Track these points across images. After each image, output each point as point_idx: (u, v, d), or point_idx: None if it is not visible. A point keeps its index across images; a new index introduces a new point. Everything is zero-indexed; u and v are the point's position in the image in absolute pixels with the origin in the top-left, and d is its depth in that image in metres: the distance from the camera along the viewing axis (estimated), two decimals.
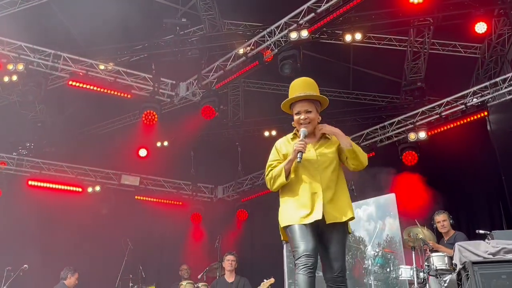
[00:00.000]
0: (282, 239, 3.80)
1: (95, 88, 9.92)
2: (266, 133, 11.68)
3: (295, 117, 3.82)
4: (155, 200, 12.48)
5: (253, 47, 9.54)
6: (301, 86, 3.89)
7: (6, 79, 9.46)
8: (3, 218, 9.61)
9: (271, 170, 3.80)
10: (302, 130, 3.73)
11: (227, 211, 12.58)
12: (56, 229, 9.95)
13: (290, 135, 3.93)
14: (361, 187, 7.45)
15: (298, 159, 3.61)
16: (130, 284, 8.28)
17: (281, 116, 11.65)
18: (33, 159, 11.66)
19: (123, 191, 12.18)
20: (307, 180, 3.70)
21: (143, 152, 11.62)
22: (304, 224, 3.55)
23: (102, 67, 10.03)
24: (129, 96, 10.22)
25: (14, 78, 9.41)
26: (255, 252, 11.49)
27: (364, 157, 3.82)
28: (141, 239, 10.21)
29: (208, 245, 10.07)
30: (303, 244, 3.50)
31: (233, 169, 12.43)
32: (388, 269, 7.00)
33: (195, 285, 7.93)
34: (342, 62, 10.50)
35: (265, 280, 7.19)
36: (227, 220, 12.18)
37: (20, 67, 9.29)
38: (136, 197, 12.29)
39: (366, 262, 7.19)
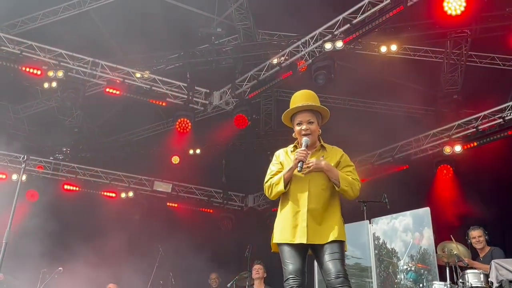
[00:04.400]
0: (272, 250, 3.87)
1: (131, 96, 10.10)
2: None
3: (296, 128, 3.80)
4: (186, 207, 12.59)
5: (287, 57, 9.57)
6: (303, 97, 3.86)
7: (46, 85, 9.75)
8: (39, 221, 9.82)
9: (270, 178, 3.82)
10: (305, 139, 3.72)
11: (257, 220, 12.56)
12: (90, 233, 10.12)
13: (290, 147, 3.93)
14: (395, 200, 7.36)
15: (299, 168, 3.60)
16: None
17: None
18: (69, 163, 11.92)
19: (156, 197, 12.33)
20: (296, 194, 3.69)
21: (175, 159, 11.76)
22: (292, 244, 3.59)
23: (138, 75, 10.22)
24: (164, 104, 10.38)
25: (54, 84, 9.68)
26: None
27: (354, 192, 3.69)
28: (172, 245, 10.27)
29: (238, 254, 10.07)
30: (290, 265, 3.56)
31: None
32: (421, 285, 6.85)
33: None
34: (377, 73, 10.41)
35: None
36: (257, 229, 12.16)
37: (60, 74, 9.54)
38: (167, 203, 12.43)
39: (398, 276, 7.06)
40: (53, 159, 12.04)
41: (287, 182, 3.71)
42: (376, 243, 7.40)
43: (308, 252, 3.68)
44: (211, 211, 12.84)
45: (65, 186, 11.60)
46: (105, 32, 10.26)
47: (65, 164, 11.88)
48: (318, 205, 3.61)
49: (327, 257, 3.53)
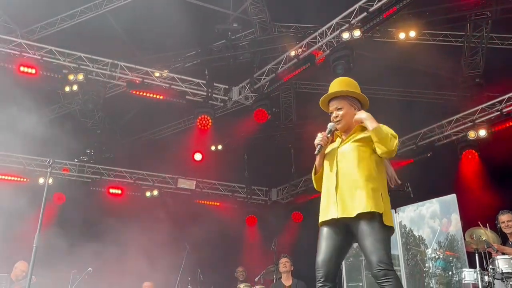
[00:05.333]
0: None
1: (151, 95, 10.17)
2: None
3: (331, 117, 3.84)
4: (210, 203, 12.67)
5: (304, 49, 9.51)
6: (334, 85, 3.89)
7: (67, 89, 9.87)
8: (66, 223, 10.00)
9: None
10: (329, 125, 3.78)
11: (281, 213, 12.58)
12: (117, 233, 10.22)
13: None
14: (420, 188, 7.28)
15: (316, 152, 3.70)
16: (189, 286, 8.42)
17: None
18: (94, 165, 12.09)
19: (180, 194, 12.43)
20: (326, 175, 3.71)
21: (198, 156, 11.82)
22: (326, 226, 3.55)
23: (157, 74, 10.29)
24: (183, 101, 10.42)
25: (75, 87, 9.79)
26: (312, 254, 11.41)
27: (387, 142, 3.49)
28: (198, 242, 10.36)
29: (263, 248, 10.11)
30: (318, 255, 3.54)
31: (286, 171, 12.43)
32: (450, 272, 6.78)
33: None
34: (396, 60, 10.29)
35: None
36: (282, 222, 12.19)
37: (80, 77, 9.65)
38: (192, 200, 12.52)
39: (426, 264, 7.00)
40: (78, 161, 12.22)
41: (318, 169, 3.83)
42: (403, 231, 7.35)
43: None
44: (235, 206, 12.89)
45: (91, 188, 11.79)
46: (122, 33, 10.33)
47: (89, 165, 12.05)
48: (347, 179, 3.54)
49: (365, 242, 3.36)
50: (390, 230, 3.46)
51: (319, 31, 9.29)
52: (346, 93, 3.81)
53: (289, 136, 12.14)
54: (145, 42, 10.37)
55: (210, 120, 10.37)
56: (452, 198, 6.89)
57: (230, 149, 12.14)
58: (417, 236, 7.25)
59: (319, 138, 3.73)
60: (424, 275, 7.05)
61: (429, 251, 6.95)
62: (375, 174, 3.56)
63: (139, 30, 10.00)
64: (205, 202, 12.63)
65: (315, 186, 3.89)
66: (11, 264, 8.38)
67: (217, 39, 10.69)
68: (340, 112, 3.77)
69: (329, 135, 3.77)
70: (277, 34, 10.61)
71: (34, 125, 9.35)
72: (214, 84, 10.67)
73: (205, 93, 10.53)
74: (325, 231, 3.56)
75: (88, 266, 7.61)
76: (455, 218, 6.80)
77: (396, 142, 3.51)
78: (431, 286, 6.76)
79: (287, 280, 7.78)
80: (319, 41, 9.28)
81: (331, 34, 9.08)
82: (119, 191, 12.03)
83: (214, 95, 10.63)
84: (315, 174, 3.84)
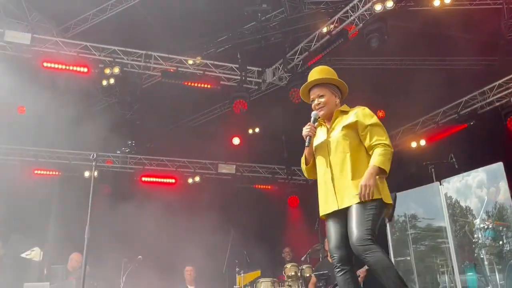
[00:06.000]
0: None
1: (186, 83, 10.25)
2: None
3: (312, 105, 3.88)
4: (251, 186, 12.76)
5: (336, 25, 9.36)
6: (313, 74, 3.91)
7: (104, 82, 10.06)
8: (113, 214, 10.25)
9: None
10: (312, 114, 3.83)
11: None
12: (162, 221, 10.41)
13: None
14: (464, 158, 7.12)
15: (306, 144, 3.73)
16: (237, 269, 8.53)
17: (371, 92, 11.40)
18: (136, 156, 12.34)
19: (221, 179, 12.57)
20: (320, 167, 3.76)
21: (236, 141, 11.90)
22: (329, 217, 3.66)
23: (190, 62, 10.36)
24: (218, 87, 10.47)
25: (112, 81, 9.97)
26: None
27: (390, 156, 3.61)
28: (243, 225, 10.47)
29: (308, 227, 10.12)
30: (329, 243, 3.67)
31: None
32: (500, 242, 6.64)
33: (299, 267, 8.01)
34: (432, 28, 10.00)
35: None
36: None
37: (116, 70, 9.82)
38: (233, 184, 12.64)
39: (475, 235, 6.87)
40: (120, 153, 12.49)
41: (308, 159, 3.86)
42: (449, 203, 7.22)
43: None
44: (276, 187, 12.94)
45: (135, 178, 12.05)
46: (153, 24, 10.41)
47: (132, 156, 12.32)
48: (341, 169, 3.60)
49: (350, 223, 3.46)
50: (381, 207, 3.52)
51: (351, 5, 9.10)
52: (327, 80, 3.86)
53: None
54: (176, 30, 10.40)
55: (245, 104, 10.40)
56: (499, 166, 6.70)
57: (268, 131, 12.14)
58: (464, 207, 7.10)
59: (307, 129, 3.76)
60: (473, 246, 6.93)
61: (477, 221, 6.82)
62: (366, 160, 3.62)
63: (170, 19, 10.04)
64: (246, 185, 12.72)
65: (306, 176, 3.98)
66: (66, 256, 8.73)
67: (247, 21, 10.62)
68: (322, 99, 3.83)
69: (315, 124, 3.82)
70: (307, 12, 10.45)
71: (77, 121, 9.60)
72: (247, 67, 10.65)
73: (239, 77, 10.53)
74: (330, 222, 3.66)
75: (137, 254, 7.82)
76: (503, 186, 6.62)
77: (386, 143, 3.61)
78: (481, 256, 6.64)
79: None
80: (351, 15, 9.10)
81: (363, 7, 8.89)
82: (162, 180, 12.26)
83: (248, 78, 10.64)
84: (306, 164, 3.90)
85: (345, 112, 3.80)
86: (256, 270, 8.78)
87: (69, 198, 10.96)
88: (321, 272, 7.11)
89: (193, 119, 13.26)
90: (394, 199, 6.42)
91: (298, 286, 7.77)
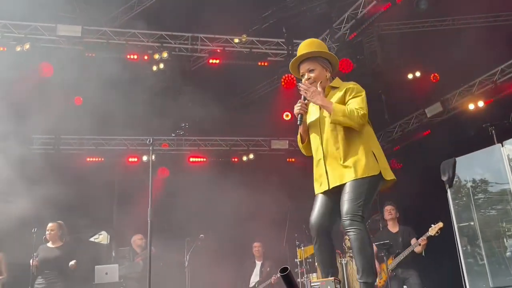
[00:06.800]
0: None
1: (233, 62, 10.29)
2: (410, 76, 11.18)
3: (303, 80, 3.80)
4: (305, 160, 12.71)
5: None
6: (302, 47, 3.82)
7: (154, 68, 10.25)
8: (171, 196, 10.54)
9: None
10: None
11: None
12: (220, 199, 10.60)
13: None
14: None
15: (298, 122, 3.72)
16: (297, 242, 8.60)
17: (423, 56, 11.05)
18: (190, 137, 12.58)
19: (275, 155, 12.62)
20: (314, 145, 3.75)
21: (287, 116, 11.86)
22: (320, 193, 3.69)
23: (236, 40, 10.36)
24: (265, 63, 10.44)
25: (161, 66, 10.15)
26: (414, 200, 11.11)
27: (353, 120, 3.51)
28: (299, 199, 10.49)
29: None
30: (311, 213, 3.72)
31: (380, 119, 12.10)
32: None
33: None
34: None
35: (432, 225, 7.00)
36: None
37: (165, 55, 9.97)
38: (287, 159, 12.69)
39: None
40: (175, 136, 12.76)
41: (304, 137, 3.87)
42: None
43: None
44: None
45: (191, 159, 12.30)
46: (197, 5, 10.46)
47: (186, 138, 12.57)
48: (333, 148, 3.58)
49: (342, 198, 3.50)
50: (375, 183, 3.52)
51: None
52: (317, 53, 3.76)
53: (377, 82, 11.76)
54: (220, 10, 10.41)
55: (294, 78, 10.32)
56: None
57: None
58: None
59: (298, 106, 3.70)
60: None
61: None
62: (360, 136, 3.57)
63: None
64: (300, 159, 12.69)
65: (304, 153, 3.98)
66: (129, 239, 9.08)
67: None
68: (313, 74, 3.74)
69: (306, 101, 3.73)
70: None
71: (131, 107, 9.86)
72: (294, 40, 10.53)
73: (286, 52, 10.45)
74: (319, 197, 3.69)
75: (199, 233, 8.02)
76: None
77: (361, 113, 3.51)
78: None
79: (393, 227, 7.71)
80: None
81: None
82: (217, 159, 12.45)
83: (295, 52, 10.51)
84: (302, 142, 3.89)
85: (337, 88, 3.74)
86: None
87: (129, 183, 11.35)
88: (382, 242, 7.06)
89: (243, 97, 13.32)
90: (453, 164, 6.27)
91: None
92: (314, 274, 8.08)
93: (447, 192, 7.67)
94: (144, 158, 11.92)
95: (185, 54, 10.31)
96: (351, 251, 7.78)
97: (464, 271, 6.14)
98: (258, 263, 9.39)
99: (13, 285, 7.66)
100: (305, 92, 3.62)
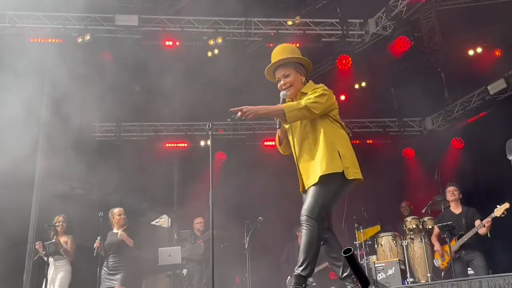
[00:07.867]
0: None
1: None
2: (471, 52, 10.76)
3: (278, 85, 3.96)
4: (363, 141, 12.54)
5: None
6: (276, 54, 3.98)
7: (209, 54, 10.38)
8: (231, 177, 10.67)
9: None
10: (281, 94, 3.87)
11: (440, 141, 12.00)
12: (277, 183, 10.63)
13: None
14: None
15: (277, 126, 3.82)
16: (355, 225, 8.56)
17: (483, 31, 10.58)
18: (246, 122, 12.64)
19: None
20: (292, 149, 3.92)
21: (342, 97, 11.72)
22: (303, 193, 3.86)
23: (290, 23, 10.30)
24: (320, 45, 10.33)
25: (216, 51, 10.25)
26: (478, 179, 10.77)
27: (310, 111, 3.65)
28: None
29: (426, 179, 9.80)
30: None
31: (439, 97, 11.75)
32: None
33: (421, 220, 7.84)
34: None
35: (498, 206, 6.77)
36: (441, 151, 11.63)
37: (219, 40, 10.05)
38: None
39: None
40: (231, 121, 12.84)
41: (281, 138, 4.03)
42: None
43: None
44: (389, 141, 12.63)
45: (265, 143, 12.43)
46: None
47: (242, 123, 12.66)
48: (303, 151, 3.75)
49: (306, 194, 3.71)
50: (334, 181, 3.62)
51: None
52: (291, 59, 3.92)
53: (436, 59, 11.39)
54: None
55: (349, 59, 10.18)
56: None
57: (375, 84, 11.79)
58: None
59: None
60: None
61: None
62: (325, 137, 3.68)
63: None
64: (357, 142, 12.51)
65: (282, 153, 4.14)
66: (190, 221, 9.31)
67: None
68: (288, 79, 3.90)
69: (278, 129, 3.94)
70: None
71: (188, 94, 10.04)
72: (348, 20, 10.37)
73: (340, 32, 10.30)
74: (304, 197, 3.80)
75: (258, 215, 8.12)
76: None
77: (310, 101, 3.65)
78: None
79: (456, 208, 7.52)
80: None
81: None
82: (273, 143, 12.48)
83: (350, 32, 10.36)
84: (280, 144, 4.05)
85: (305, 93, 3.84)
86: (376, 225, 8.74)
87: (189, 167, 11.61)
88: (445, 224, 6.90)
89: None
90: None
91: (421, 239, 7.64)
92: (374, 256, 8.01)
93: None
94: (202, 143, 12.14)
95: (239, 39, 10.34)
96: (411, 233, 7.68)
97: None
98: None
99: (81, 266, 8.05)
100: (245, 117, 3.80)
